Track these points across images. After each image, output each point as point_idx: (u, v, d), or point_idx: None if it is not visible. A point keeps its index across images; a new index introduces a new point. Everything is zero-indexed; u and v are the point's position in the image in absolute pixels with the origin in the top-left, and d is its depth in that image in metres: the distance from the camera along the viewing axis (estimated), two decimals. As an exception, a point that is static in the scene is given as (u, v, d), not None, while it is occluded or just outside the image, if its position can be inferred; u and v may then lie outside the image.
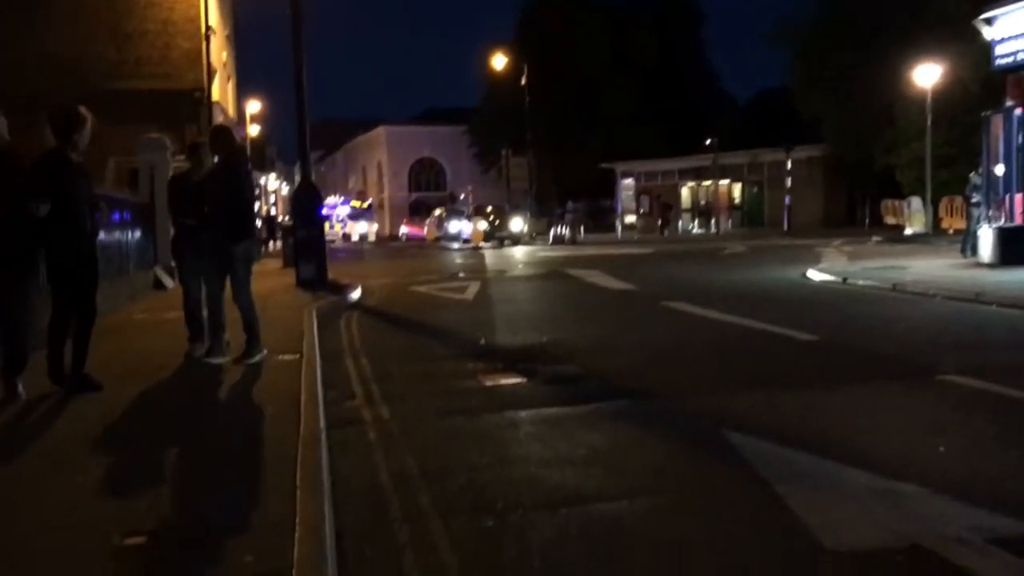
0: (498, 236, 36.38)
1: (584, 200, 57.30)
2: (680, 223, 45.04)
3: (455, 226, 40.35)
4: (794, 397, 6.03)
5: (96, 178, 7.90)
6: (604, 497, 4.06)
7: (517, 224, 37.47)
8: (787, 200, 38.05)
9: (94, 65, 21.83)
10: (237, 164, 7.61)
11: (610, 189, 50.80)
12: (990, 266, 14.81)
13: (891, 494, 3.93)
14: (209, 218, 7.44)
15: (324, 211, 55.56)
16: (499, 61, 43.56)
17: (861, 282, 13.71)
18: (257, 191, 49.70)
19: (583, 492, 4.14)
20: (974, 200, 17.45)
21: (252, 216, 7.61)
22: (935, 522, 3.60)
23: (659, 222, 42.76)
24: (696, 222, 45.97)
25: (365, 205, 60.26)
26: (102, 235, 8.45)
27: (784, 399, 5.97)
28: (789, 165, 38.31)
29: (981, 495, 3.87)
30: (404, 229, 55.65)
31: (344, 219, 56.50)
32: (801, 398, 6.00)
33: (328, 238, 50.73)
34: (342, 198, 64.31)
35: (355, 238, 54.40)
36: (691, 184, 47.40)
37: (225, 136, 7.73)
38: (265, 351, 7.46)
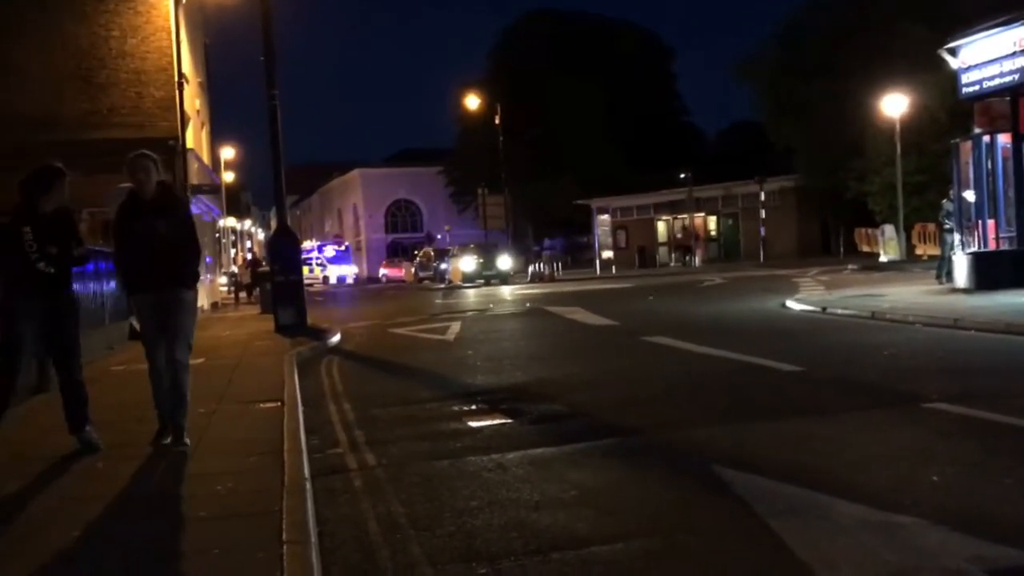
0: (485, 275, 36.01)
1: (561, 236, 57.70)
2: (657, 255, 45.14)
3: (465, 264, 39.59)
4: (783, 429, 5.99)
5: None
6: (598, 540, 3.97)
7: (504, 262, 36.97)
8: (762, 231, 38.40)
9: (67, 116, 21.71)
10: (175, 196, 6.43)
11: (586, 225, 51.11)
12: (966, 291, 14.94)
13: (887, 526, 3.88)
14: (155, 261, 5.98)
15: (303, 255, 55.15)
16: (472, 101, 43.90)
17: (840, 311, 13.77)
18: (225, 236, 49.33)
19: (576, 535, 4.06)
20: (947, 226, 17.65)
21: (199, 257, 6.38)
22: (934, 554, 3.55)
23: (687, 253, 43.05)
24: (673, 255, 46.29)
25: (343, 248, 60.05)
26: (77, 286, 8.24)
27: (773, 432, 5.93)
28: (763, 196, 38.73)
29: (978, 525, 3.83)
30: (384, 271, 55.60)
31: (324, 262, 56.15)
32: (790, 430, 5.96)
33: (307, 282, 50.54)
34: (318, 242, 64.14)
35: (333, 280, 54.12)
36: (666, 218, 47.77)
37: (149, 163, 6.07)
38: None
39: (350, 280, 54.34)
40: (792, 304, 15.37)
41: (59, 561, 3.92)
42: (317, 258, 56.03)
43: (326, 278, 54.31)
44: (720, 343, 10.52)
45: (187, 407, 6.08)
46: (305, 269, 56.42)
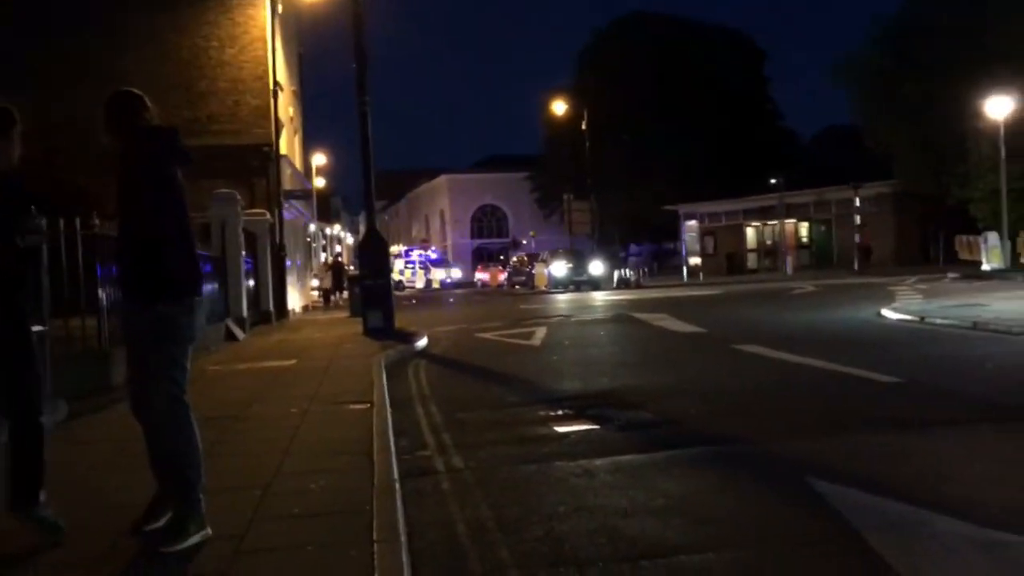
0: (575, 280, 35.68)
1: (647, 243, 57.16)
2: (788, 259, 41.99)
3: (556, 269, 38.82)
4: (880, 442, 5.80)
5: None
6: (688, 549, 3.92)
7: (595, 268, 36.48)
8: (856, 238, 37.35)
9: (170, 123, 22.52)
10: (145, 155, 4.23)
11: (673, 231, 50.57)
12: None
13: (995, 546, 3.72)
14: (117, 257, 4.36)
15: (406, 259, 55.73)
16: (558, 107, 43.92)
17: (940, 321, 13.28)
18: (319, 240, 50.38)
19: (665, 544, 4.01)
20: None
21: (177, 255, 4.17)
22: (1045, 576, 3.39)
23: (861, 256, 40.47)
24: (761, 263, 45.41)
25: (434, 253, 60.70)
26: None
27: (869, 444, 5.75)
28: (858, 202, 37.67)
29: (1093, 546, 3.64)
30: (480, 275, 55.68)
31: (427, 266, 56.47)
32: (888, 443, 5.76)
33: (409, 284, 51.05)
34: (409, 246, 65.20)
35: (436, 284, 54.28)
36: (756, 224, 46.90)
37: (130, 106, 4.36)
38: (208, 530, 4.06)
39: (435, 284, 54.57)
40: (887, 313, 14.90)
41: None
42: (421, 262, 56.52)
43: (429, 281, 54.54)
44: (812, 352, 10.27)
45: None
46: (408, 272, 57.31)
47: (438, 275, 55.17)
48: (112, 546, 4.09)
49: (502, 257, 54.92)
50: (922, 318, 13.79)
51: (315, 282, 36.32)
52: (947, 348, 10.59)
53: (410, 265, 55.77)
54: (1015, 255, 28.56)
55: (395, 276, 53.26)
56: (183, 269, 4.20)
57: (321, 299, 34.27)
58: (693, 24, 55.33)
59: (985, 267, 28.62)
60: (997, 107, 27.32)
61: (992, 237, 29.43)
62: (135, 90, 4.43)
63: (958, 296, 18.02)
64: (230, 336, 15.61)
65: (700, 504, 4.65)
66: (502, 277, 49.95)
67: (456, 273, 57.05)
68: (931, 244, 38.65)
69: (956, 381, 8.14)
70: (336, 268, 33.46)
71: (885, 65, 36.64)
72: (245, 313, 17.43)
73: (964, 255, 32.35)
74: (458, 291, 46.85)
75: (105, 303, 9.34)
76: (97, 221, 9.13)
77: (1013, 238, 28.62)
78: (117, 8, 22.81)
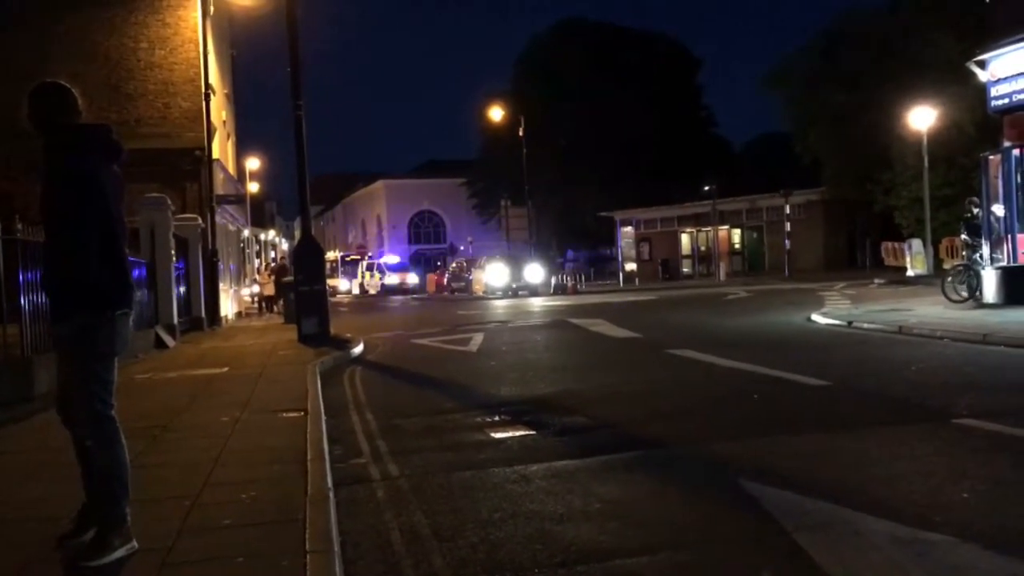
0: (513, 286, 35.65)
1: (584, 249, 57.56)
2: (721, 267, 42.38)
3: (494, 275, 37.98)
4: (809, 444, 5.92)
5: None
6: (623, 553, 3.94)
7: (534, 274, 36.33)
8: (787, 244, 38.15)
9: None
10: (70, 155, 3.98)
11: (610, 237, 51.02)
12: (994, 306, 14.75)
13: (917, 543, 3.82)
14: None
15: (366, 262, 54.03)
16: (496, 113, 43.98)
17: (867, 325, 13.64)
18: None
19: (601, 548, 4.02)
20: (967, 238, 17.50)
21: (97, 263, 3.92)
22: (965, 572, 3.49)
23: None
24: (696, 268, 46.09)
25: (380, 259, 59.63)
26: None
27: (799, 446, 5.87)
28: (788, 209, 38.48)
29: (1011, 543, 3.76)
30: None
31: (384, 270, 54.98)
32: (817, 445, 5.89)
33: (367, 289, 49.48)
34: (340, 252, 64.29)
35: (372, 291, 53.04)
36: (690, 231, 47.63)
37: (56, 100, 4.12)
38: (134, 543, 3.94)
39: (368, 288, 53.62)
40: (818, 318, 15.25)
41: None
42: (378, 265, 55.40)
43: (383, 286, 53.27)
44: (745, 356, 10.45)
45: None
46: (367, 276, 56.12)
47: (394, 280, 53.89)
48: (32, 559, 3.96)
49: (439, 264, 54.56)
50: (850, 323, 14.14)
51: (255, 288, 35.21)
52: (874, 352, 10.87)
53: (371, 269, 54.69)
54: (938, 261, 29.45)
55: (358, 282, 52.93)
56: (103, 278, 3.94)
57: (256, 306, 33.31)
58: (629, 31, 55.98)
59: (910, 273, 29.44)
60: (920, 118, 28.17)
61: (916, 244, 30.30)
62: (63, 83, 4.20)
63: (884, 301, 18.54)
64: (160, 343, 15.26)
65: (635, 508, 4.69)
66: (441, 282, 49.66)
67: (413, 279, 55.75)
68: (858, 250, 39.64)
69: (882, 384, 8.35)
70: (280, 272, 31.45)
71: (813, 75, 37.58)
72: (176, 320, 17.06)
73: (890, 261, 33.23)
74: (396, 297, 46.45)
75: (28, 310, 9.04)
76: (20, 225, 8.88)
77: (936, 244, 29.51)
78: (41, 5, 22.20)
